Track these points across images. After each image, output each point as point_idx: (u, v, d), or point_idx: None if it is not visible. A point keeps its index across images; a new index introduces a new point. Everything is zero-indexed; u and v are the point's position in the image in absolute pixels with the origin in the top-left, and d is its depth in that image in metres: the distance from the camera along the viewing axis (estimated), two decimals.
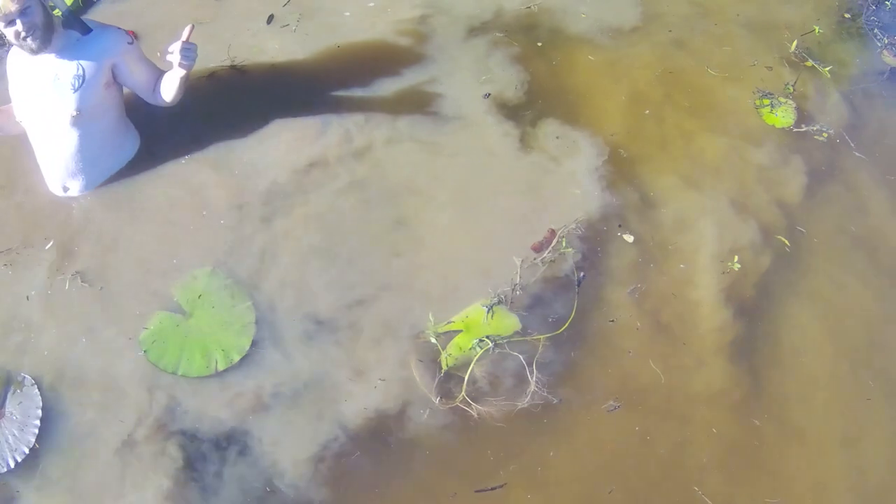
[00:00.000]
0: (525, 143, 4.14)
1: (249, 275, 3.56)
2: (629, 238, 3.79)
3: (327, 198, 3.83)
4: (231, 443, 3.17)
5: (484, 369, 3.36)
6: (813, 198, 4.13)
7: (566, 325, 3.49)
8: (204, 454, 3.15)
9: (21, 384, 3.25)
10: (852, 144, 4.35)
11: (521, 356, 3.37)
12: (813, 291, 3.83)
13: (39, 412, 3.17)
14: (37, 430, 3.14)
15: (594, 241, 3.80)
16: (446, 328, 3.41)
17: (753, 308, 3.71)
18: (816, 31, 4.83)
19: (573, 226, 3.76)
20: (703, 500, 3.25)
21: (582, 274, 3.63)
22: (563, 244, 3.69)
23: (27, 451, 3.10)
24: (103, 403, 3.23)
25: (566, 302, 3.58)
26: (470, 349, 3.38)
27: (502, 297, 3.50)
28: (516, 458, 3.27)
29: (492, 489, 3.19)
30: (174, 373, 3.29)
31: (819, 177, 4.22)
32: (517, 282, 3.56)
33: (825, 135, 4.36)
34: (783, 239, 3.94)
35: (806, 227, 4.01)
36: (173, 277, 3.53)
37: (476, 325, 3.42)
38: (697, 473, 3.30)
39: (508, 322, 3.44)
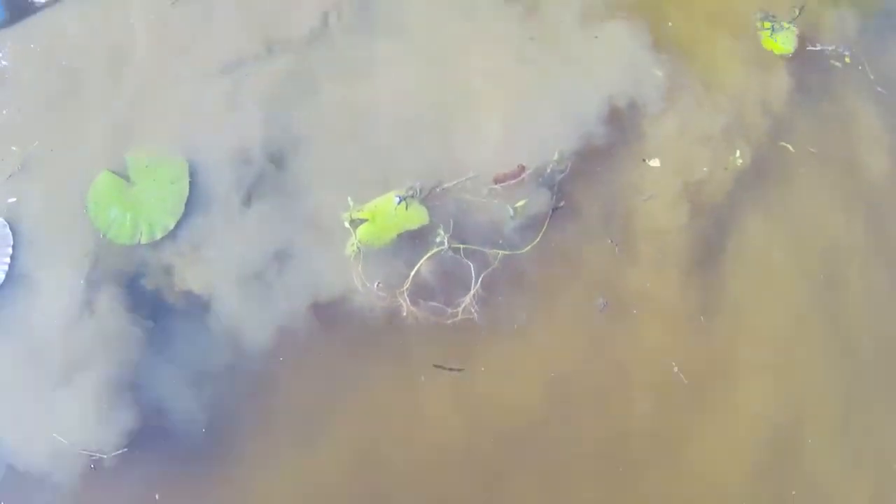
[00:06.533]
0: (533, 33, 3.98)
1: (196, 149, 3.64)
2: (655, 163, 3.67)
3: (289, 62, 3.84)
4: (158, 309, 3.38)
5: (431, 269, 3.40)
6: (803, 116, 3.92)
7: (535, 241, 3.45)
8: (131, 314, 3.37)
9: None
10: (860, 68, 4.05)
11: (472, 265, 3.37)
12: (780, 206, 3.73)
13: (10, 250, 3.48)
14: (7, 267, 3.45)
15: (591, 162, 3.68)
16: (359, 215, 3.42)
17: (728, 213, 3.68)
18: None
19: (554, 162, 3.62)
20: (679, 376, 3.34)
21: (562, 202, 3.55)
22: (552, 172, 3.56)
23: None
24: (55, 246, 3.51)
25: (534, 226, 3.52)
26: (376, 240, 3.40)
27: (417, 190, 3.47)
28: (482, 350, 3.34)
29: (450, 369, 3.28)
30: (105, 234, 3.50)
31: (812, 97, 3.98)
32: (464, 198, 3.51)
33: (847, 58, 4.06)
34: (787, 145, 3.81)
35: (791, 144, 3.84)
36: (131, 142, 3.69)
37: (383, 215, 3.41)
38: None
39: (417, 216, 3.41)
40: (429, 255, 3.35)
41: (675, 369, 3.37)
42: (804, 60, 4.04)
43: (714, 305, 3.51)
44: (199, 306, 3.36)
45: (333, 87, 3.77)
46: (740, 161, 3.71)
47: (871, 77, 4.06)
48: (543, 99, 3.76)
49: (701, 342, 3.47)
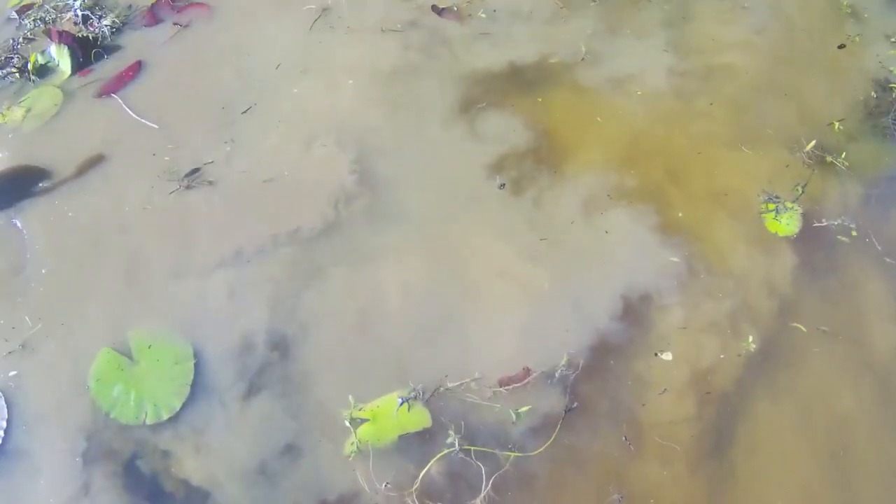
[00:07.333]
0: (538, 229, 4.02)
1: (199, 334, 3.67)
2: (667, 356, 3.61)
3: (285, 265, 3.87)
4: (156, 493, 3.30)
5: (439, 469, 3.30)
6: (813, 295, 3.85)
7: (548, 443, 3.35)
8: (128, 497, 3.31)
9: None
10: (867, 240, 4.01)
11: (482, 467, 3.27)
12: (792, 388, 3.60)
13: (4, 423, 3.48)
14: (1, 439, 3.44)
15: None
16: (359, 414, 3.37)
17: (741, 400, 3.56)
18: (836, 127, 4.47)
19: (563, 366, 3.55)
20: None
21: (575, 403, 3.47)
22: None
23: None
24: (52, 421, 3.49)
25: (547, 425, 3.42)
26: (376, 440, 3.33)
27: (420, 392, 3.42)
28: None
29: None
30: (108, 413, 3.47)
31: (821, 274, 3.93)
32: (468, 400, 3.44)
33: (853, 232, 4.04)
34: (799, 326, 3.72)
35: (803, 324, 3.75)
36: (134, 321, 3.73)
37: (384, 416, 3.35)
38: None
39: (419, 418, 3.33)
40: (439, 456, 3.27)
41: None
42: (811, 238, 4.02)
43: (730, 493, 3.35)
44: (198, 495, 3.27)
45: (337, 278, 3.82)
46: (753, 346, 3.65)
47: (879, 248, 4.02)
48: (552, 298, 3.75)
49: None
